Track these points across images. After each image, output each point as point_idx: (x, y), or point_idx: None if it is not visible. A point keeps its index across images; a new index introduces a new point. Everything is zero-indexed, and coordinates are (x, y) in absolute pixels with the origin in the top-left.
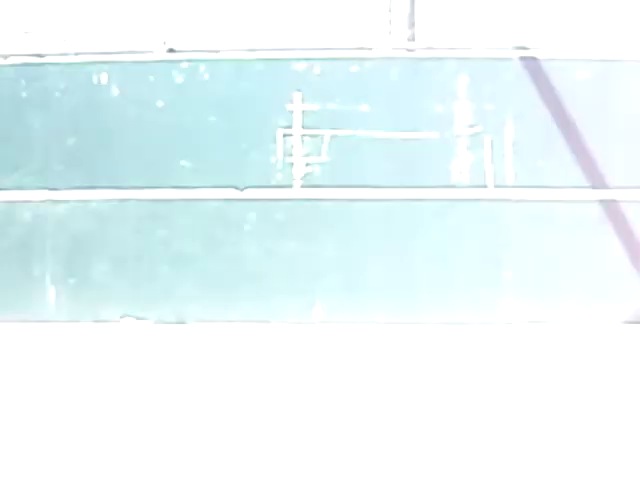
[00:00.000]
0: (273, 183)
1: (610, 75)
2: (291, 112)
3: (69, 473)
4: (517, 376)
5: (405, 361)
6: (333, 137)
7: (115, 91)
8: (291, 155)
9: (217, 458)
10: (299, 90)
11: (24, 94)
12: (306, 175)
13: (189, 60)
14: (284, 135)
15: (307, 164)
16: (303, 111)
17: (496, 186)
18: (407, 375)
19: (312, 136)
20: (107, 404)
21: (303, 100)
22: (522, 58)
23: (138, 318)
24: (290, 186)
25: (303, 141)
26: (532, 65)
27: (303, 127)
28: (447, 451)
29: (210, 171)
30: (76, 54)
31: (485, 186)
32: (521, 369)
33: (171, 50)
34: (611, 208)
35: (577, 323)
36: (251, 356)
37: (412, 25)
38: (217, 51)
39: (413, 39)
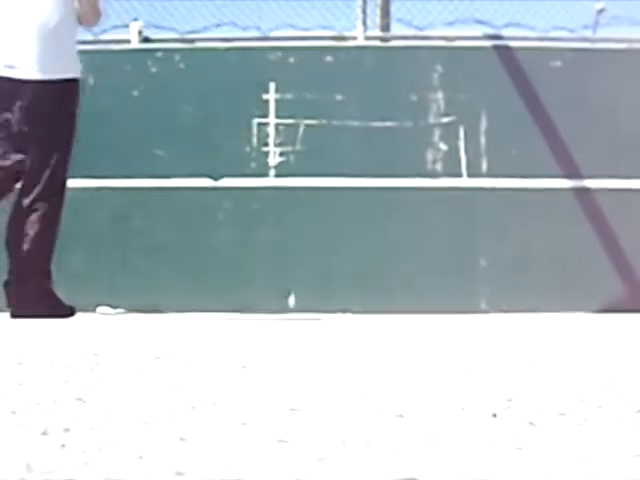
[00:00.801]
0: (248, 172)
1: (582, 64)
2: (266, 102)
3: None
4: (487, 364)
5: (375, 348)
6: (308, 126)
7: (91, 80)
8: (266, 144)
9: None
10: (274, 80)
11: None
12: (281, 164)
13: (164, 50)
14: (259, 124)
15: (282, 153)
16: (278, 100)
17: (470, 175)
18: (376, 361)
19: (287, 125)
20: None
21: (278, 90)
22: (495, 48)
23: (113, 307)
24: (265, 175)
25: (278, 130)
26: (505, 55)
27: (278, 116)
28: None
29: (185, 160)
30: None
31: (459, 175)
32: (492, 357)
33: (146, 40)
34: (584, 197)
35: (550, 311)
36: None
37: (386, 15)
38: (192, 41)
39: (387, 29)
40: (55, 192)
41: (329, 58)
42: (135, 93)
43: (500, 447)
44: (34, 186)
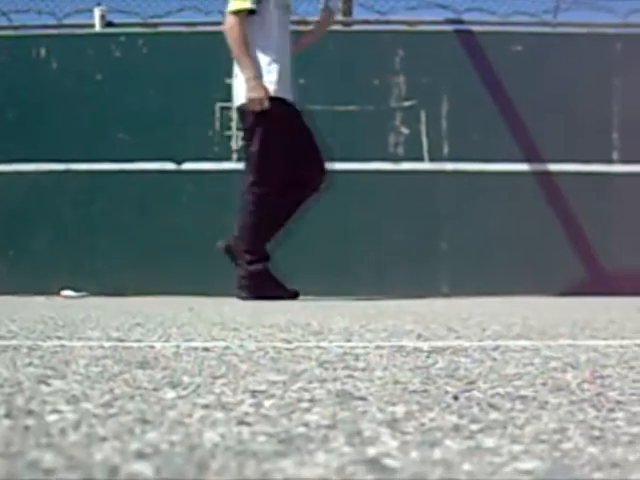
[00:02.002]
0: (211, 156)
1: (543, 49)
2: (229, 86)
3: None
4: (447, 347)
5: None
6: None
7: (54, 64)
8: (229, 128)
9: None
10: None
11: None
12: (243, 148)
13: (127, 34)
14: (222, 108)
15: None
16: None
17: (431, 159)
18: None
19: None
20: None
21: None
22: (457, 32)
23: (77, 290)
24: (228, 159)
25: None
26: (467, 39)
27: None
28: None
29: (148, 144)
30: (15, 28)
31: (421, 159)
32: (453, 340)
33: (109, 24)
34: (545, 180)
35: (512, 295)
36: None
37: (348, 0)
38: (155, 25)
39: (349, 14)
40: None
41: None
42: (98, 77)
43: (461, 429)
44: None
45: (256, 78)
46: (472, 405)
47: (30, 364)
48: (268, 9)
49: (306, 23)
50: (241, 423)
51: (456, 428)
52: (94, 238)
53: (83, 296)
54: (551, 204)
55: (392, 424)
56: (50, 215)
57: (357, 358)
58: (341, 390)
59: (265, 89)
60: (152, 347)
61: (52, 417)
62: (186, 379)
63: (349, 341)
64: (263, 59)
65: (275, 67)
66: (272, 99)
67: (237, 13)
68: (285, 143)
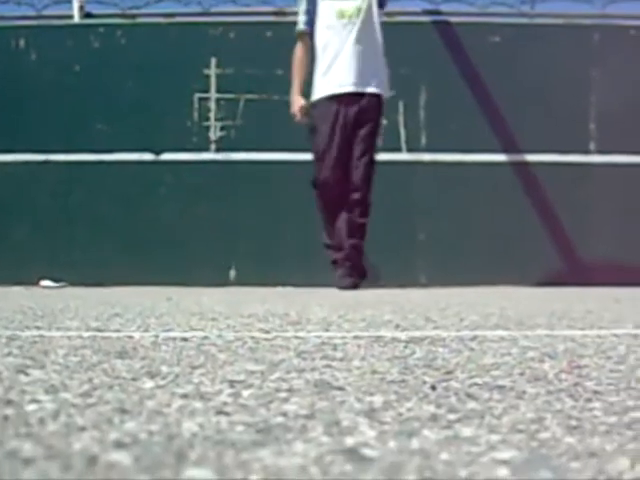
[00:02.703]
0: (189, 146)
1: (521, 40)
2: (207, 76)
3: None
4: (425, 337)
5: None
6: (248, 101)
7: (33, 56)
8: (207, 119)
9: None
10: (215, 55)
11: None
12: (222, 138)
13: (106, 25)
14: (200, 99)
15: (223, 128)
16: (219, 75)
17: (409, 149)
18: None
19: (228, 100)
20: None
21: (219, 65)
22: (435, 23)
23: (56, 280)
24: (206, 149)
25: (219, 105)
26: (445, 30)
27: (219, 91)
28: None
29: (127, 134)
30: None
31: (399, 149)
32: (431, 330)
33: (88, 15)
34: (522, 171)
35: (489, 285)
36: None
37: None
38: (134, 16)
39: None
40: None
41: (269, 33)
42: (77, 68)
43: (439, 419)
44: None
45: (294, 94)
46: (450, 395)
47: (9, 354)
48: (324, 22)
49: (284, 14)
50: (219, 413)
51: (434, 418)
52: (73, 229)
53: (62, 286)
54: (529, 195)
55: (370, 414)
56: (29, 206)
57: (335, 348)
58: (319, 380)
59: (298, 104)
60: (131, 337)
61: (31, 407)
62: (165, 369)
63: (327, 331)
64: (318, 68)
65: (327, 75)
66: (317, 102)
67: (297, 35)
68: (329, 140)
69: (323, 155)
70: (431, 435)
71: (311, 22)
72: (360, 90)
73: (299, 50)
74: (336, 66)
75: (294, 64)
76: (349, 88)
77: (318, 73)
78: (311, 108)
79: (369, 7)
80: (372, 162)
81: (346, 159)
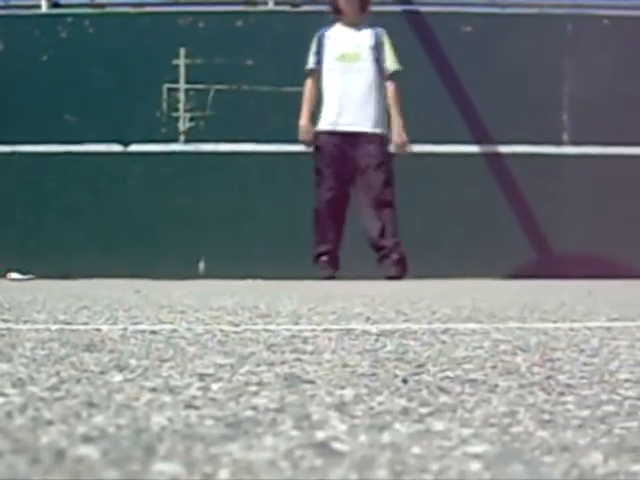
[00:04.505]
0: (158, 137)
1: (493, 30)
2: (176, 67)
3: None
4: (396, 330)
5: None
6: (218, 92)
7: (0, 46)
8: (176, 110)
9: None
10: (184, 45)
11: None
12: (191, 129)
13: (74, 15)
14: (169, 90)
15: (192, 118)
16: (188, 66)
17: None
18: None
19: (197, 91)
20: None
21: (188, 55)
22: (406, 13)
23: (23, 272)
24: (175, 140)
25: (188, 96)
26: (416, 20)
27: (188, 82)
28: None
29: (95, 125)
30: None
31: None
32: (402, 323)
33: (56, 5)
34: (495, 162)
35: (461, 277)
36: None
37: None
38: (102, 6)
39: None
40: None
41: (239, 23)
42: (45, 58)
43: (411, 413)
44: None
45: (303, 122)
46: (421, 388)
47: None
48: (327, 64)
49: (254, 3)
50: (189, 406)
51: (405, 411)
52: (41, 221)
53: (30, 279)
54: (501, 186)
55: (341, 407)
56: None
57: (305, 341)
58: (289, 373)
59: (305, 133)
60: (99, 330)
61: None
62: (133, 362)
63: (297, 324)
64: (325, 103)
65: (329, 109)
66: (320, 133)
67: (307, 72)
68: (329, 168)
69: (322, 179)
70: (402, 429)
71: (319, 62)
72: (357, 129)
73: (309, 84)
74: (336, 105)
75: (304, 96)
76: (347, 127)
77: (323, 109)
78: (314, 137)
79: (367, 52)
80: (393, 208)
81: (343, 185)
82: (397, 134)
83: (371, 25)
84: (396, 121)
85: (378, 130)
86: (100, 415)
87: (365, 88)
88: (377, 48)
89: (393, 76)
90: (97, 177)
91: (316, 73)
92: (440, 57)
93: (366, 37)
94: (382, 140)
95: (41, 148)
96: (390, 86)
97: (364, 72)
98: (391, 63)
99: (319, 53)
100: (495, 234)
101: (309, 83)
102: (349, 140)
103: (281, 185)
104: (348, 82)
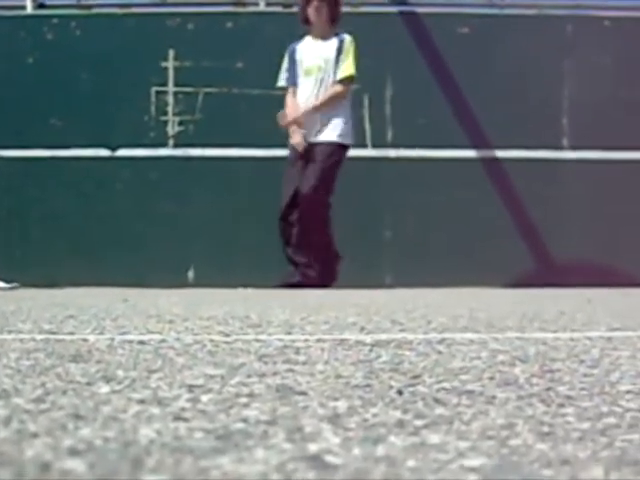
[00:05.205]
0: (146, 142)
1: (491, 31)
2: (165, 69)
3: None
4: (391, 340)
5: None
6: (207, 95)
7: None
8: (165, 113)
9: None
10: (173, 47)
11: None
12: (180, 134)
13: (60, 16)
14: (157, 93)
15: (181, 122)
16: (177, 68)
17: (374, 145)
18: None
19: (186, 94)
20: None
21: (177, 57)
22: (402, 14)
23: (7, 281)
24: (163, 145)
25: (177, 99)
26: (412, 21)
27: (177, 85)
28: None
29: (82, 129)
30: None
31: (364, 145)
32: (397, 333)
33: (41, 5)
34: (492, 167)
35: (457, 286)
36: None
37: None
38: (89, 7)
39: None
40: None
41: (229, 24)
42: (30, 60)
43: (406, 425)
44: None
45: (294, 132)
46: (417, 400)
47: None
48: (299, 78)
49: (244, 4)
50: (178, 419)
51: (400, 424)
52: (25, 228)
53: (14, 287)
54: (498, 193)
55: (334, 420)
56: None
57: (298, 351)
58: (281, 385)
59: (298, 135)
60: (85, 340)
61: None
62: (121, 373)
63: (289, 334)
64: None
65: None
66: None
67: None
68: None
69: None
70: (397, 442)
71: (291, 78)
72: (313, 140)
73: (287, 100)
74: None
75: (287, 112)
76: (310, 138)
77: None
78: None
79: (328, 64)
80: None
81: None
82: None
83: (337, 33)
84: (304, 111)
85: (339, 140)
86: (87, 427)
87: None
88: (338, 58)
89: (340, 82)
90: (83, 183)
91: (290, 88)
92: (436, 59)
93: (331, 48)
94: (337, 148)
95: (26, 153)
96: (330, 88)
97: (326, 85)
98: (342, 70)
99: (290, 69)
100: (493, 241)
101: (287, 99)
102: (308, 150)
103: (271, 191)
104: (311, 95)
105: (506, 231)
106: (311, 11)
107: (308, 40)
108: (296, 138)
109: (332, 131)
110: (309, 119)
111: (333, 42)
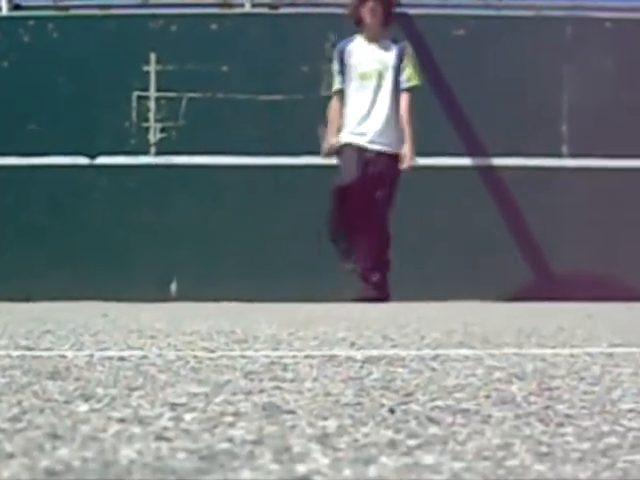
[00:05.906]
0: (127, 149)
1: (487, 33)
2: (146, 73)
3: None
4: (383, 356)
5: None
6: (191, 100)
7: None
8: (146, 119)
9: None
10: (155, 50)
11: None
12: (162, 140)
13: (37, 17)
14: (139, 98)
15: (163, 129)
16: (159, 72)
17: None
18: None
19: (169, 99)
20: None
21: (159, 61)
22: (395, 16)
23: None
24: (145, 152)
25: (159, 104)
26: (405, 23)
27: (159, 89)
28: None
29: (59, 136)
30: None
31: None
32: (390, 349)
33: (17, 7)
34: (489, 176)
35: (454, 300)
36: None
37: None
38: (67, 8)
39: None
40: None
41: (214, 26)
42: (5, 64)
43: (398, 445)
44: None
45: (329, 137)
46: (409, 419)
47: None
48: (349, 83)
49: (229, 5)
50: (160, 438)
51: (392, 444)
52: (0, 238)
53: None
54: (495, 202)
55: (323, 439)
56: None
57: (285, 368)
58: (268, 403)
59: (329, 143)
60: (63, 356)
61: None
62: (100, 391)
63: (276, 350)
64: (347, 120)
65: (347, 124)
66: (341, 147)
67: (333, 93)
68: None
69: (345, 171)
70: (389, 462)
71: (344, 81)
72: (377, 148)
73: (335, 104)
74: (357, 120)
75: (330, 115)
76: (366, 144)
77: (345, 124)
78: (337, 149)
79: (388, 71)
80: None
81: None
82: (409, 156)
83: (395, 40)
84: (409, 141)
85: (397, 151)
86: (65, 447)
87: (386, 108)
88: (399, 65)
89: (407, 91)
90: (61, 192)
91: (341, 93)
92: (430, 62)
93: (391, 54)
94: (397, 159)
95: (1, 161)
96: (402, 102)
97: (386, 91)
98: (407, 78)
99: (342, 72)
100: (489, 253)
101: (335, 103)
102: (370, 156)
103: (258, 201)
104: (367, 101)
105: (502, 242)
106: (366, 12)
107: (360, 42)
108: (331, 140)
109: (398, 141)
110: (371, 125)
111: (391, 47)
